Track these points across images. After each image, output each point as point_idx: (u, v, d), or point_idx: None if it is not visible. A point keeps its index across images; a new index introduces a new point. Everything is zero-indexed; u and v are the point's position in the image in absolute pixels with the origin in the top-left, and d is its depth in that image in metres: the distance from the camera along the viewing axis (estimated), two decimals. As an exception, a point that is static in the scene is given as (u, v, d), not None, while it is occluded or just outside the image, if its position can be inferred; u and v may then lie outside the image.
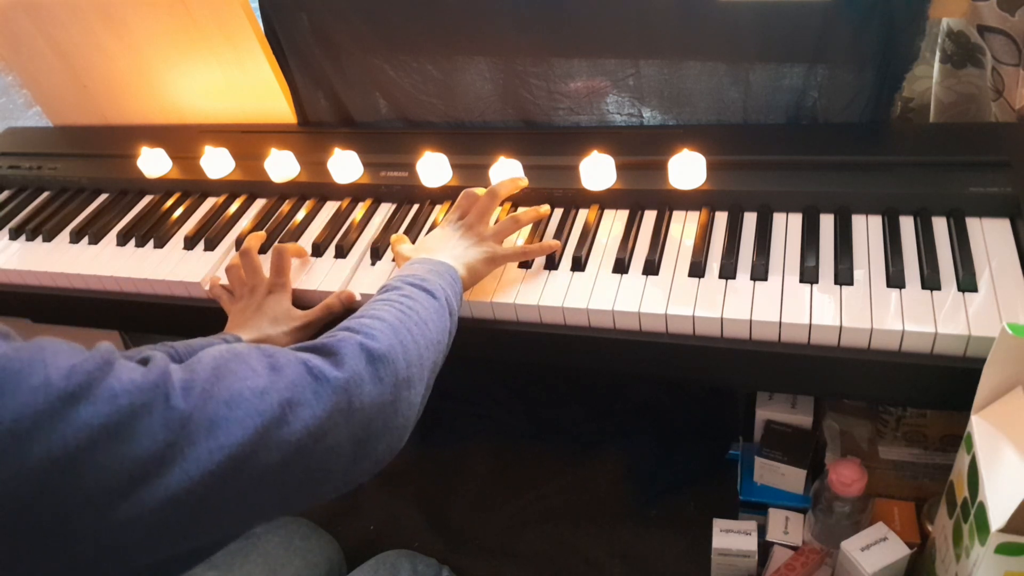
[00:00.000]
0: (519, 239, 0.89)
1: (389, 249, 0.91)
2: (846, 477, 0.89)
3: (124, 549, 0.42)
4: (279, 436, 0.47)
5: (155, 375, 0.44)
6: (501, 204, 0.91)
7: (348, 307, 0.84)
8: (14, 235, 1.07)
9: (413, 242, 0.86)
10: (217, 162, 1.06)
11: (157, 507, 0.42)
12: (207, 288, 0.92)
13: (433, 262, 0.73)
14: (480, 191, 0.85)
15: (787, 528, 1.01)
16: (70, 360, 0.41)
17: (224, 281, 0.90)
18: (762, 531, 1.01)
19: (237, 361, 0.49)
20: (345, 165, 0.99)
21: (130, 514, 0.41)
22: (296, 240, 0.96)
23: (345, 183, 1.00)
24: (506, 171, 0.92)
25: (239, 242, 0.97)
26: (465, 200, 0.85)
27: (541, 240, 0.87)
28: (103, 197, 1.12)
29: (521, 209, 0.89)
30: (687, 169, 0.87)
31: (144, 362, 0.46)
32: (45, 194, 1.16)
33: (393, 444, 0.56)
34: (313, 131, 1.15)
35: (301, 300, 0.89)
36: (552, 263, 0.85)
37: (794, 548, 0.99)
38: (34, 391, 0.39)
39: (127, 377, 0.43)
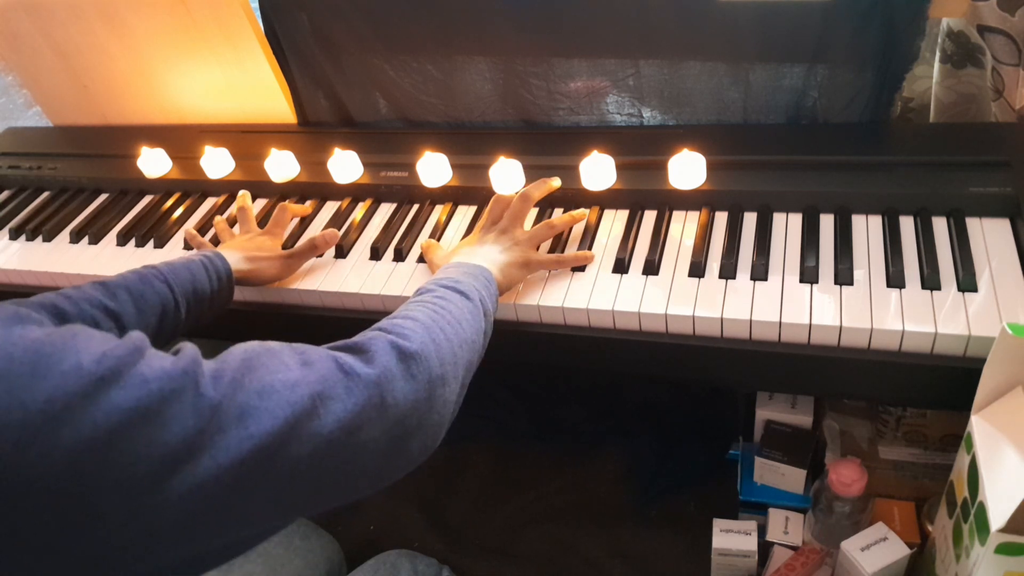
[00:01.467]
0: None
1: (390, 249, 0.92)
2: (846, 477, 0.89)
3: (153, 539, 0.42)
4: (310, 428, 0.47)
5: (185, 363, 0.44)
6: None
7: (331, 244, 0.90)
8: (14, 235, 1.07)
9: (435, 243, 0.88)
10: (217, 162, 1.06)
11: (187, 495, 0.42)
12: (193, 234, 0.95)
13: (467, 265, 0.73)
14: (509, 195, 0.85)
15: (787, 528, 1.01)
16: (102, 346, 0.42)
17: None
18: (762, 531, 1.01)
19: (268, 355, 0.49)
20: (345, 165, 0.99)
21: (159, 501, 0.41)
22: (296, 240, 0.96)
23: (345, 183, 1.00)
24: (506, 171, 0.92)
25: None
26: (497, 206, 0.84)
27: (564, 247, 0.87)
28: (103, 197, 1.12)
29: (557, 213, 0.90)
30: (687, 169, 0.87)
31: (176, 353, 0.46)
32: (45, 194, 1.16)
33: (428, 442, 0.56)
34: (313, 131, 1.15)
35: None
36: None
37: (794, 548, 0.99)
38: (65, 375, 0.39)
39: (158, 364, 0.43)
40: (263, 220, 1.00)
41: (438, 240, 0.91)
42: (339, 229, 0.96)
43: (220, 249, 0.85)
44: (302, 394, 0.47)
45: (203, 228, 1.01)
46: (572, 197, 0.92)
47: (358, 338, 0.56)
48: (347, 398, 0.50)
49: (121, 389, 0.41)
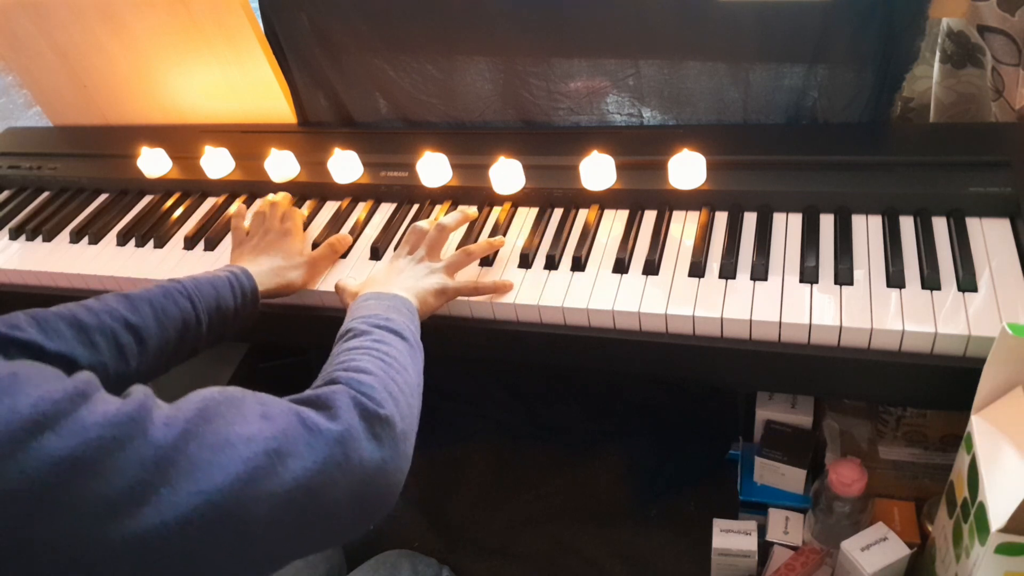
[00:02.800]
0: (518, 239, 0.89)
1: (390, 249, 0.91)
2: (846, 477, 0.89)
3: None
4: (267, 487, 0.45)
5: (131, 408, 0.42)
6: (463, 223, 0.89)
7: (347, 245, 0.92)
8: (14, 235, 1.07)
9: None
10: (217, 162, 1.06)
11: (130, 550, 0.39)
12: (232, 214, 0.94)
13: (387, 296, 0.71)
14: (427, 224, 0.83)
15: (787, 528, 1.01)
16: (40, 389, 0.39)
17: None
18: (762, 531, 1.01)
19: (228, 405, 0.47)
20: (345, 165, 0.99)
21: (100, 555, 0.39)
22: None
23: (345, 183, 1.00)
24: (506, 171, 0.92)
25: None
26: (413, 235, 0.82)
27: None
28: (103, 197, 1.12)
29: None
30: (687, 169, 0.87)
31: (125, 396, 0.44)
32: (45, 194, 1.16)
33: (394, 494, 0.55)
34: (313, 131, 1.15)
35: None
36: (552, 263, 0.85)
37: (794, 548, 0.99)
38: None
39: (100, 409, 0.41)
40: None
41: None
42: (339, 229, 0.96)
43: (246, 264, 0.83)
44: (257, 450, 0.45)
45: (203, 228, 1.01)
46: (572, 197, 0.92)
47: (319, 392, 0.54)
48: (307, 455, 0.47)
49: (56, 436, 0.38)
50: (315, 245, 0.93)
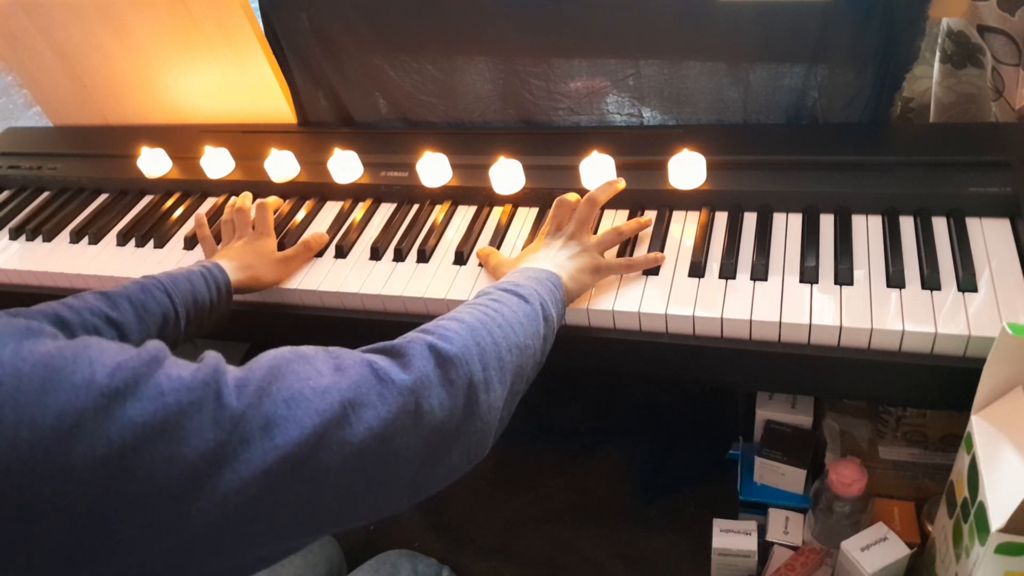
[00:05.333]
0: (518, 239, 0.89)
1: (390, 249, 0.91)
2: (846, 477, 0.89)
3: (177, 555, 0.40)
4: (340, 437, 0.45)
5: (205, 372, 0.43)
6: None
7: (321, 244, 0.93)
8: (14, 235, 1.07)
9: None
10: (217, 162, 1.06)
11: (210, 509, 0.40)
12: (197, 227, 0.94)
13: (532, 270, 0.70)
14: (574, 197, 0.81)
15: (787, 528, 1.01)
16: (116, 357, 0.40)
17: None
18: (762, 531, 1.01)
19: (299, 361, 0.47)
20: (345, 165, 0.99)
21: (181, 517, 0.40)
22: (296, 240, 0.96)
23: (345, 183, 1.00)
24: (506, 171, 0.92)
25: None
26: (560, 209, 0.81)
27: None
28: (103, 197, 1.12)
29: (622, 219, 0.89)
30: (687, 169, 0.87)
31: (199, 362, 0.45)
32: (45, 194, 1.16)
33: (473, 450, 0.54)
34: (313, 131, 1.15)
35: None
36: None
37: (794, 548, 0.99)
38: (77, 389, 0.38)
39: (176, 374, 0.41)
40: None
41: (437, 241, 0.91)
42: (339, 229, 0.96)
43: (217, 259, 0.85)
44: (332, 401, 0.45)
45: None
46: (572, 197, 0.92)
47: (397, 340, 0.54)
48: (380, 405, 0.47)
49: (137, 402, 0.39)
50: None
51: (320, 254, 0.93)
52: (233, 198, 0.99)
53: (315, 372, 0.47)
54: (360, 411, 0.46)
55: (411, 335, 0.55)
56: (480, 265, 0.87)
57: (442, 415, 0.50)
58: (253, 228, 0.93)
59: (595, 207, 0.81)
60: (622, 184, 0.86)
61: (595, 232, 0.83)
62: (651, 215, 0.88)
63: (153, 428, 0.39)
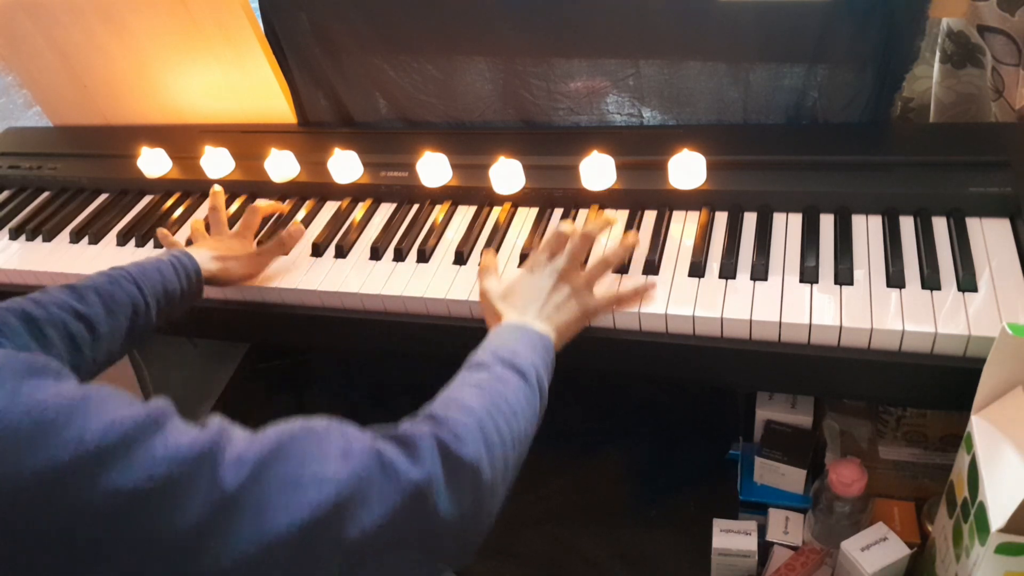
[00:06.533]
0: (518, 239, 0.88)
1: (390, 249, 0.91)
2: (846, 477, 0.89)
3: None
4: (331, 535, 0.42)
5: (204, 444, 0.40)
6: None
7: (297, 240, 0.92)
8: (14, 235, 1.07)
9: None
10: (217, 162, 1.06)
11: None
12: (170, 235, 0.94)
13: (526, 331, 0.68)
14: (570, 227, 0.77)
15: (787, 528, 1.01)
16: (113, 414, 0.38)
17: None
18: (762, 531, 1.01)
19: (307, 440, 0.45)
20: (345, 165, 0.99)
21: None
22: (296, 241, 0.95)
23: (345, 183, 1.00)
24: (506, 171, 0.92)
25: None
26: (555, 240, 0.76)
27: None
28: (103, 197, 1.12)
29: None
30: (687, 169, 0.87)
31: (203, 426, 0.43)
32: (45, 194, 1.16)
33: (463, 554, 0.51)
34: (313, 131, 1.15)
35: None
36: (552, 263, 0.85)
37: (794, 548, 0.99)
38: (64, 445, 0.36)
39: (173, 442, 0.39)
40: (263, 220, 1.00)
41: (437, 241, 0.91)
42: (339, 229, 0.96)
43: (189, 249, 0.84)
44: (328, 494, 0.43)
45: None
46: (572, 197, 0.92)
47: (408, 428, 0.51)
48: (378, 505, 0.45)
49: (126, 468, 0.37)
50: (315, 246, 0.93)
51: (320, 254, 0.93)
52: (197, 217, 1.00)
53: (320, 455, 0.44)
54: (357, 509, 0.44)
55: (421, 425, 0.52)
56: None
57: (445, 521, 0.48)
58: (231, 228, 0.93)
59: (589, 243, 0.78)
60: (615, 220, 0.84)
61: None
62: (651, 220, 0.88)
63: (138, 498, 0.37)
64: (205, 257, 0.84)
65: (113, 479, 0.37)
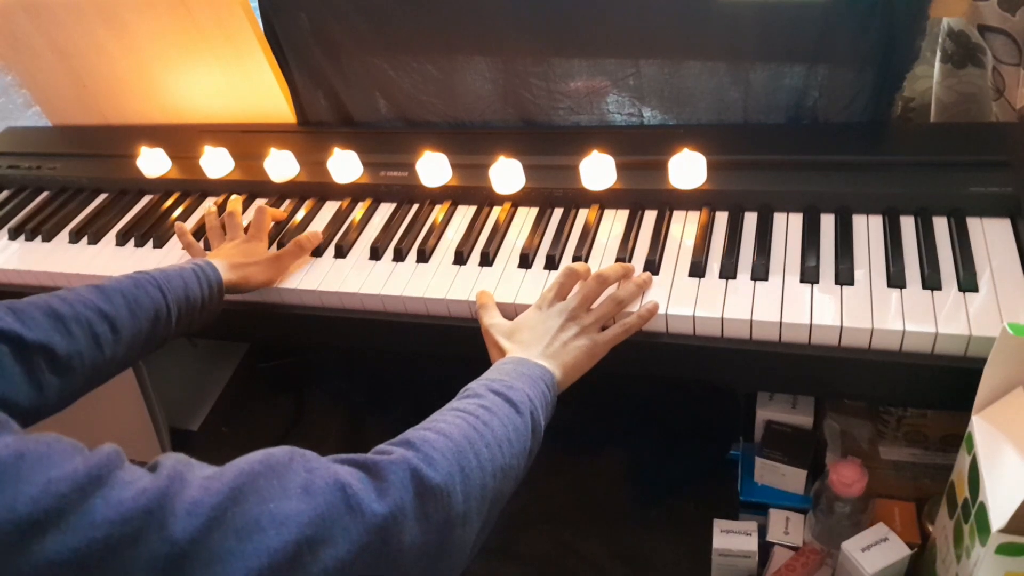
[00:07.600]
0: (518, 239, 0.88)
1: (390, 249, 0.91)
2: (846, 477, 0.89)
3: None
4: None
5: (152, 494, 0.38)
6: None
7: (315, 244, 0.92)
8: (13, 235, 1.07)
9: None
10: (217, 162, 1.06)
11: None
12: (181, 236, 0.94)
13: (527, 364, 0.66)
14: (583, 268, 0.78)
15: (787, 528, 1.00)
16: (46, 476, 0.36)
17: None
18: (762, 531, 1.00)
19: (268, 476, 0.43)
20: (345, 165, 0.99)
21: None
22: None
23: (345, 183, 1.00)
24: (506, 171, 0.92)
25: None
26: (567, 279, 0.76)
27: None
28: (103, 197, 1.12)
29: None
30: (687, 169, 0.87)
31: (153, 468, 0.40)
32: (44, 194, 1.15)
33: None
34: (313, 131, 1.15)
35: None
36: (553, 263, 0.85)
37: (794, 548, 0.98)
38: None
39: (116, 498, 0.37)
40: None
41: (437, 240, 0.91)
42: (339, 229, 0.96)
43: (209, 258, 0.84)
44: (287, 538, 0.41)
45: (203, 228, 1.01)
46: (572, 197, 0.92)
47: (379, 457, 0.49)
48: (342, 543, 0.43)
49: (59, 535, 0.34)
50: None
51: (320, 254, 0.93)
52: (211, 205, 1.00)
53: (280, 492, 0.42)
54: (318, 550, 0.42)
55: (394, 452, 0.50)
56: (480, 265, 0.87)
57: (410, 553, 0.46)
58: (246, 232, 0.93)
59: (603, 286, 0.76)
60: (632, 269, 0.81)
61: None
62: (651, 220, 0.88)
63: (76, 566, 0.34)
64: (224, 267, 0.83)
65: (45, 549, 0.34)
